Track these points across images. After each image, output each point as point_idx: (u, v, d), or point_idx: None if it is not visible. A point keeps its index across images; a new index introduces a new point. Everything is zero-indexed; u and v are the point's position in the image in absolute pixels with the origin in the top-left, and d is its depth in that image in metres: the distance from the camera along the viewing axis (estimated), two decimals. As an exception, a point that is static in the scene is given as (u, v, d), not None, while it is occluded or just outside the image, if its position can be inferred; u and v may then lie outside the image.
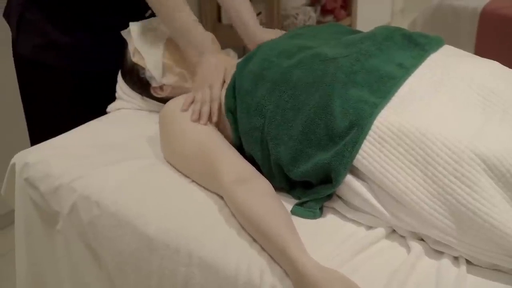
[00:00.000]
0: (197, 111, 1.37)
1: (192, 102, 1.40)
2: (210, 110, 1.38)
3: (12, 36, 1.71)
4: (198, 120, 1.36)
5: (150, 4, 1.49)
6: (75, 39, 1.65)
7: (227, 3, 1.66)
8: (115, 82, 1.69)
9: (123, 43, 1.61)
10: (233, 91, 1.34)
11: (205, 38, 1.49)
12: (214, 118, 1.37)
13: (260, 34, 1.60)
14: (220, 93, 1.39)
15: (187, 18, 1.48)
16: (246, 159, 1.30)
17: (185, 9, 1.48)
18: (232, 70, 1.41)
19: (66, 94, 1.68)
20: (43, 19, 1.63)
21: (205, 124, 1.36)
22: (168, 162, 1.39)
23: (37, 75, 1.68)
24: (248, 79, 1.32)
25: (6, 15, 1.74)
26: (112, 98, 1.69)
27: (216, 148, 1.30)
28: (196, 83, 1.45)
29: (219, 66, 1.44)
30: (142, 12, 1.74)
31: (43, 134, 1.55)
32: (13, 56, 1.74)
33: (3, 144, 2.23)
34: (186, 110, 1.38)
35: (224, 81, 1.42)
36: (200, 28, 1.49)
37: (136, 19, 1.62)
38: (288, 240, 1.08)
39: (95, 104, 1.68)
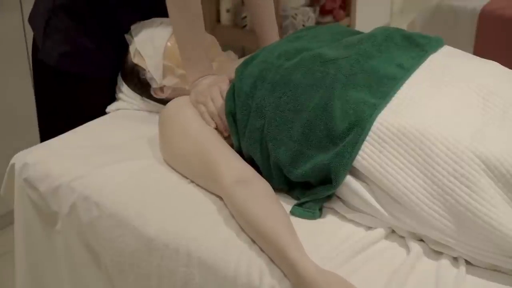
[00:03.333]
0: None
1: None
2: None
3: (37, 42, 1.66)
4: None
5: (169, 14, 1.48)
6: (103, 47, 1.63)
7: (252, 13, 1.72)
8: None
9: None
10: (232, 93, 1.34)
11: (210, 67, 1.50)
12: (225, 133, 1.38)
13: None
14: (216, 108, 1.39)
15: (201, 45, 1.48)
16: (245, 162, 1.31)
17: (202, 38, 1.48)
18: (225, 86, 1.41)
19: (89, 102, 1.66)
20: (70, 25, 1.60)
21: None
22: (167, 163, 1.39)
23: (60, 83, 1.64)
24: (248, 81, 1.32)
25: (31, 20, 1.72)
26: None
27: (215, 150, 1.30)
28: (193, 97, 1.43)
29: (212, 83, 1.43)
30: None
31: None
32: (33, 63, 1.71)
33: (3, 144, 2.23)
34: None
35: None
36: (208, 60, 1.50)
37: None
38: (288, 242, 1.08)
39: None
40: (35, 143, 1.57)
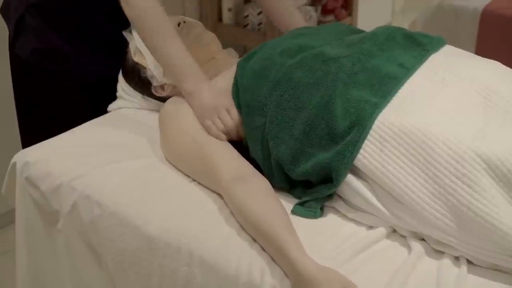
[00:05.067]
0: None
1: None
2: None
3: (10, 35, 1.70)
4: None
5: (139, 33, 1.45)
6: (74, 46, 1.64)
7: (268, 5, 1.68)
8: (110, 89, 1.69)
9: (120, 53, 1.61)
10: (237, 89, 1.34)
11: (193, 70, 1.40)
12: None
13: None
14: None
15: (176, 49, 1.40)
16: (248, 159, 1.30)
17: (176, 40, 1.40)
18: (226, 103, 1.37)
19: (62, 98, 1.68)
20: (43, 24, 1.62)
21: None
22: (168, 161, 1.39)
23: (34, 78, 1.67)
24: (249, 76, 1.32)
25: (4, 11, 1.73)
26: (105, 104, 1.69)
27: (214, 147, 1.30)
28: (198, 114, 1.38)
29: (214, 98, 1.37)
30: None
31: (35, 136, 1.55)
32: (10, 57, 1.73)
33: (4, 143, 2.23)
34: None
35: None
36: (188, 60, 1.40)
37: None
38: (287, 240, 1.08)
39: (90, 110, 1.68)
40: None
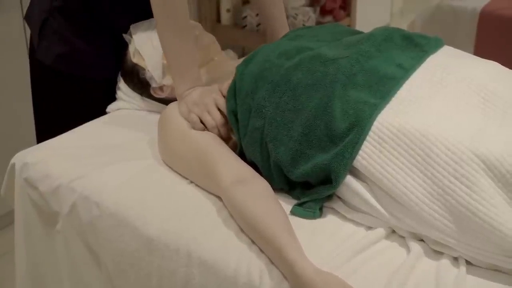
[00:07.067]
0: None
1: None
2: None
3: (33, 41, 1.68)
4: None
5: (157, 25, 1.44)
6: (98, 48, 1.64)
7: (262, 9, 1.71)
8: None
9: None
10: (233, 93, 1.34)
11: (199, 78, 1.45)
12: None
13: None
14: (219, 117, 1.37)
15: (190, 55, 1.44)
16: (246, 162, 1.30)
17: (191, 48, 1.44)
18: (218, 96, 1.39)
19: (84, 103, 1.67)
20: (67, 27, 1.61)
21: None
22: (166, 164, 1.39)
23: (56, 83, 1.66)
24: (248, 80, 1.32)
25: (28, 18, 1.73)
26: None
27: (214, 151, 1.30)
28: (184, 108, 1.40)
29: (204, 95, 1.40)
30: None
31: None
32: (30, 62, 1.72)
33: (3, 144, 2.23)
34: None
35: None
36: (197, 71, 1.45)
37: None
38: (286, 242, 1.08)
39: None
40: (36, 143, 1.57)
